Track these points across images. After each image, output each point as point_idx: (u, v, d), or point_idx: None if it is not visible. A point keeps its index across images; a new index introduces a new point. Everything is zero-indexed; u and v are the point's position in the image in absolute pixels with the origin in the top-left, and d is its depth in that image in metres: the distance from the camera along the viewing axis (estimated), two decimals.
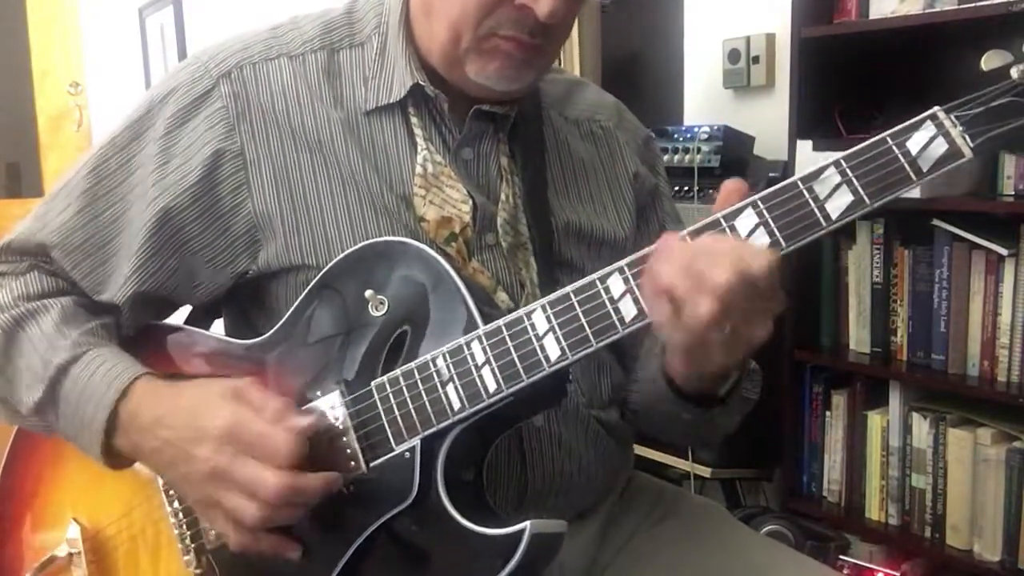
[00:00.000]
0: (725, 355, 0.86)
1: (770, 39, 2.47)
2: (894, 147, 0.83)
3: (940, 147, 0.83)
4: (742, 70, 2.50)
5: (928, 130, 0.83)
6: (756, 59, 2.48)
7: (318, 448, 0.92)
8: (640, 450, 2.19)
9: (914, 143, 0.83)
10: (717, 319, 0.80)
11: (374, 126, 1.04)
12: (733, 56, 2.52)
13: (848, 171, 0.84)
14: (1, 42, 5.03)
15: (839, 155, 0.85)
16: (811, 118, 2.10)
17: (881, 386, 2.15)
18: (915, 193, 1.93)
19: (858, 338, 2.18)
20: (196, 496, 0.93)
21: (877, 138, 0.84)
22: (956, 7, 1.92)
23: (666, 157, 2.40)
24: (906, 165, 0.83)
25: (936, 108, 0.84)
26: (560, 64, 2.89)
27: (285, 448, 0.87)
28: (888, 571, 2.08)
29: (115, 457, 0.98)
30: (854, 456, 2.20)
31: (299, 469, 0.89)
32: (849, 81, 2.08)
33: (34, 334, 1.00)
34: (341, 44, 1.07)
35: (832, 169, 0.84)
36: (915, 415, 2.08)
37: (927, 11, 1.96)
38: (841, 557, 2.12)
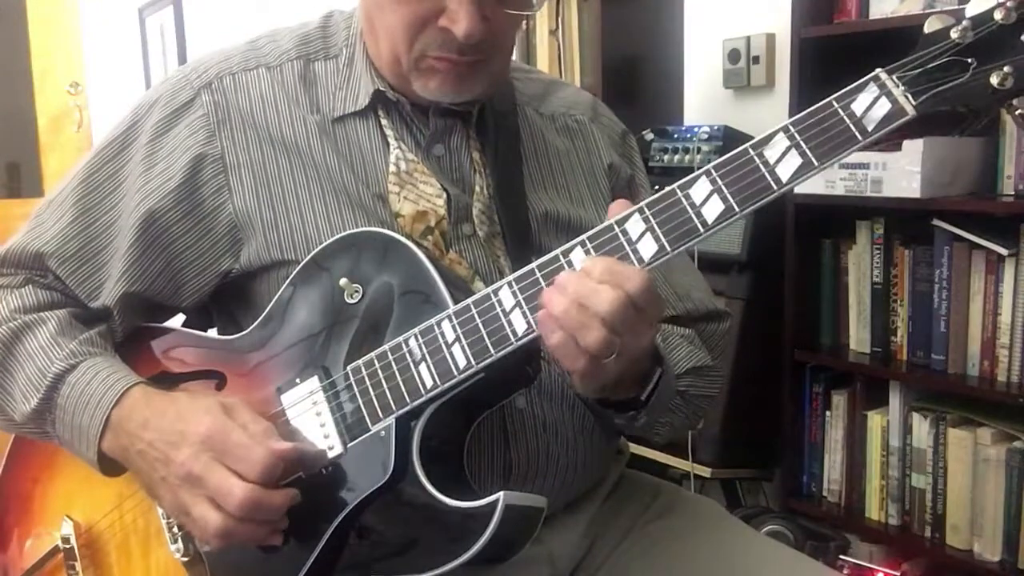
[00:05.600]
0: (617, 367, 0.89)
1: (770, 39, 2.47)
2: (839, 109, 0.87)
3: (884, 107, 0.85)
4: (742, 70, 2.50)
5: (871, 91, 0.86)
6: (756, 59, 2.48)
7: (298, 433, 0.97)
8: (640, 450, 2.19)
9: (859, 104, 0.86)
10: (608, 344, 0.85)
11: (348, 129, 1.09)
12: (733, 56, 2.52)
13: (796, 135, 0.87)
14: (1, 42, 5.04)
15: (787, 121, 0.88)
16: None
17: (881, 386, 2.14)
18: (915, 193, 1.94)
19: (858, 338, 2.18)
20: (170, 501, 0.95)
21: (823, 102, 0.87)
22: (956, 7, 1.92)
23: (666, 157, 2.40)
24: (851, 126, 0.86)
25: (878, 69, 0.87)
26: (560, 64, 2.89)
27: (260, 462, 0.90)
28: (888, 571, 2.08)
29: (109, 462, 1.00)
30: (854, 456, 2.20)
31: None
32: (849, 81, 2.08)
33: (30, 345, 1.02)
34: (316, 56, 1.12)
35: (781, 134, 0.87)
36: (915, 415, 2.07)
37: (927, 11, 1.97)
38: (841, 557, 2.12)
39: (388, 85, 1.08)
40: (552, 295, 0.87)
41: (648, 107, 2.83)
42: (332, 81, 1.10)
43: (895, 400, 2.11)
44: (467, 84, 1.04)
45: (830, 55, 2.09)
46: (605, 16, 2.94)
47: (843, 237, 2.20)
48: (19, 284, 1.08)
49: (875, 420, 2.16)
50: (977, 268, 1.95)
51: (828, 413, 2.24)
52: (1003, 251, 1.89)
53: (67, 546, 1.12)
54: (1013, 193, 1.95)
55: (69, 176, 1.10)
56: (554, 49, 2.90)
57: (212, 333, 1.15)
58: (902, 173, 1.96)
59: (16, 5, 5.04)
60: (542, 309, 0.88)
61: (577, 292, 0.86)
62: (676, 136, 2.42)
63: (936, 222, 1.99)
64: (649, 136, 2.45)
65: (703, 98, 2.67)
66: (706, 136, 2.36)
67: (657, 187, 1.32)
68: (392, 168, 1.06)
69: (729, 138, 2.33)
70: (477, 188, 1.09)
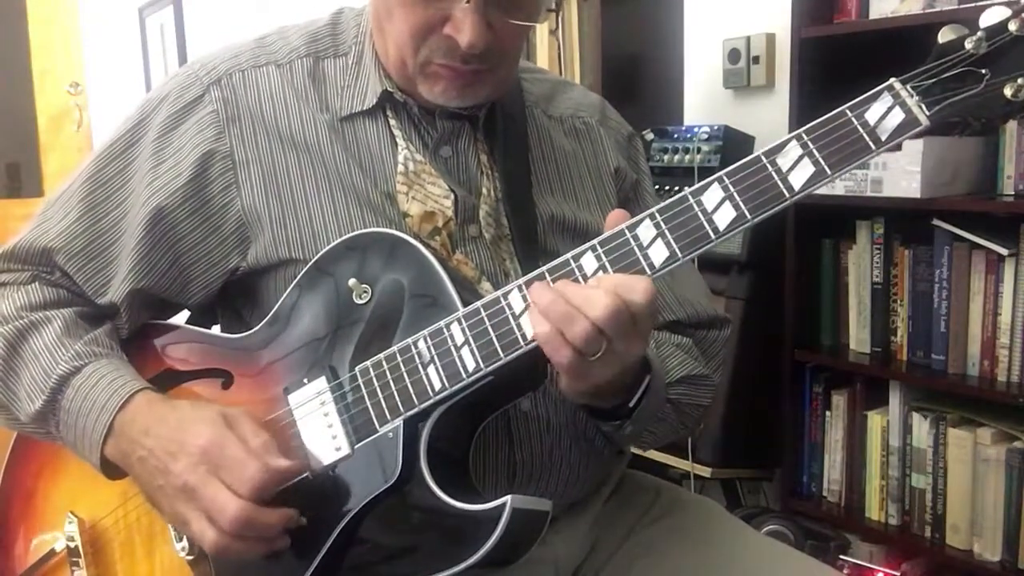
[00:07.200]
0: (605, 370, 0.89)
1: (770, 39, 2.47)
2: (853, 118, 0.86)
3: (897, 116, 0.85)
4: (742, 70, 2.51)
5: (885, 101, 0.86)
6: (756, 59, 2.48)
7: (305, 434, 0.97)
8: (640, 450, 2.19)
9: (872, 113, 0.86)
10: (593, 338, 0.85)
11: (357, 127, 1.08)
12: (733, 56, 2.52)
13: (809, 143, 0.87)
14: (1, 42, 5.04)
15: (800, 129, 0.88)
16: (811, 118, 2.09)
17: (881, 386, 2.15)
18: (915, 193, 1.94)
19: (858, 338, 2.18)
20: (169, 511, 0.95)
21: (837, 111, 0.87)
22: (956, 7, 1.92)
23: (666, 157, 2.40)
24: (865, 135, 0.86)
25: (893, 79, 0.86)
26: (560, 64, 2.89)
27: (255, 478, 0.89)
28: (888, 571, 2.08)
29: (112, 467, 1.00)
30: (854, 456, 2.20)
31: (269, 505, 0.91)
32: (849, 81, 2.08)
33: (36, 345, 1.02)
34: (326, 53, 1.12)
35: (794, 142, 0.87)
36: (915, 415, 2.08)
37: (927, 11, 1.97)
38: (841, 557, 2.12)
39: (396, 86, 1.08)
40: (538, 290, 0.88)
41: (648, 107, 2.83)
42: (341, 79, 1.10)
43: (895, 400, 2.11)
44: (471, 91, 1.04)
45: (830, 55, 2.09)
46: (605, 16, 2.94)
47: (843, 237, 2.20)
48: (26, 281, 1.07)
49: (875, 420, 2.16)
50: (977, 268, 1.95)
51: (828, 413, 2.24)
52: (1003, 251, 1.90)
53: (71, 543, 1.11)
54: (1013, 193, 1.95)
55: (76, 172, 1.10)
56: (554, 49, 2.90)
57: (215, 330, 1.15)
58: (902, 173, 1.96)
59: (16, 5, 5.04)
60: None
61: (569, 292, 0.86)
62: (676, 136, 2.42)
63: (936, 222, 1.99)
64: (649, 136, 2.45)
65: (703, 98, 2.67)
66: (706, 136, 2.36)
67: (657, 187, 1.32)
68: (400, 168, 1.05)
69: (729, 138, 2.34)
70: (484, 190, 1.09)
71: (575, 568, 1.13)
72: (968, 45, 0.84)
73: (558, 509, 1.09)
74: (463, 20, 0.97)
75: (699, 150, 2.35)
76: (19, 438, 1.17)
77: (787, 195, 0.86)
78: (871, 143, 0.85)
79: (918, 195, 1.94)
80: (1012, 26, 0.82)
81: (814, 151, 0.86)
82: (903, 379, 2.09)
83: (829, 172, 0.86)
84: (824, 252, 2.23)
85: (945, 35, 0.86)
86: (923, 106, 0.85)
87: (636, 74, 3.02)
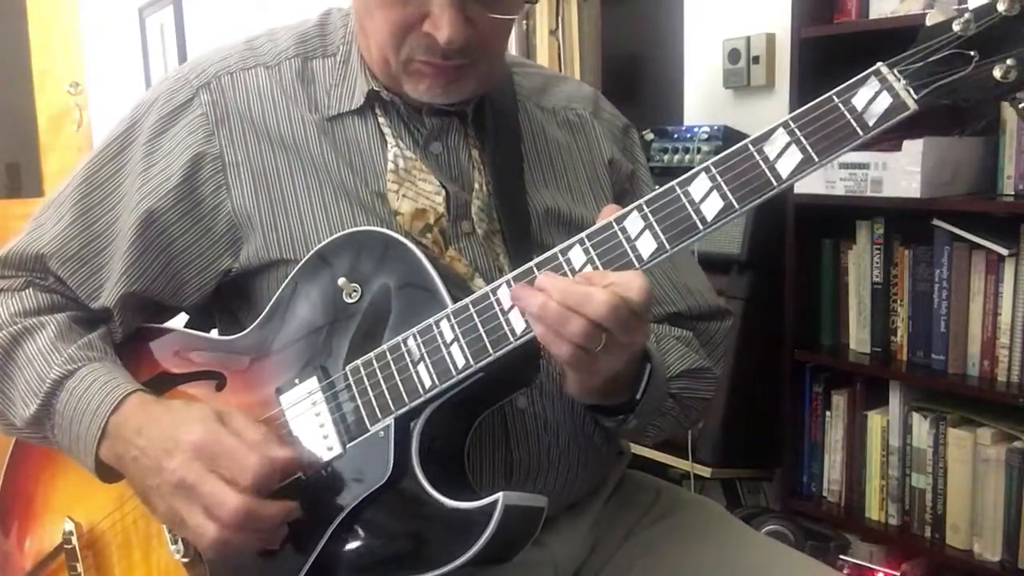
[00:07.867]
0: (611, 361, 0.89)
1: (770, 39, 2.47)
2: (840, 104, 0.85)
3: (885, 101, 0.84)
4: (742, 70, 2.50)
5: (872, 85, 0.85)
6: (756, 59, 2.48)
7: (298, 434, 0.97)
8: (640, 450, 2.19)
9: (859, 99, 0.85)
10: (591, 334, 0.85)
11: (347, 127, 1.08)
12: (733, 56, 2.52)
13: (796, 131, 0.86)
14: (1, 42, 5.04)
15: (787, 116, 0.87)
16: None
17: (881, 386, 2.15)
18: (915, 193, 1.94)
19: (858, 338, 2.18)
20: (164, 510, 0.94)
21: (823, 97, 0.86)
22: (957, 7, 1.92)
23: (666, 157, 2.40)
24: (852, 121, 0.85)
25: (879, 63, 0.85)
26: (560, 64, 2.89)
27: (253, 469, 0.89)
28: (888, 571, 2.08)
29: (107, 470, 1.00)
30: (854, 456, 2.20)
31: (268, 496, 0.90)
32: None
33: (30, 350, 1.02)
34: (314, 54, 1.12)
35: (781, 130, 0.86)
36: (915, 415, 2.08)
37: (927, 11, 1.97)
38: (841, 557, 2.12)
39: (382, 85, 1.08)
40: (525, 293, 0.87)
41: (648, 107, 2.83)
42: (329, 79, 1.10)
43: (895, 400, 2.11)
44: (455, 87, 1.04)
45: (830, 55, 2.09)
46: (605, 16, 2.94)
47: (843, 237, 2.20)
48: (20, 287, 1.08)
49: (875, 420, 2.16)
50: (977, 268, 1.95)
51: (828, 413, 2.24)
52: (1003, 251, 1.89)
53: (69, 547, 1.12)
54: (1013, 193, 1.95)
55: (69, 178, 1.10)
56: (554, 49, 2.90)
57: (214, 334, 1.15)
58: (902, 173, 1.96)
59: (16, 5, 5.04)
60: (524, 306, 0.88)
61: (568, 290, 0.86)
62: (676, 136, 2.42)
63: (936, 222, 1.99)
64: (649, 136, 2.45)
65: (703, 98, 2.67)
66: (706, 136, 2.36)
67: (657, 187, 1.32)
68: (391, 166, 1.05)
69: (729, 138, 2.33)
70: (476, 185, 1.09)
71: (575, 569, 1.13)
72: (956, 27, 0.83)
73: (557, 510, 1.09)
74: (441, 16, 0.97)
75: (699, 150, 2.35)
76: (18, 443, 1.17)
77: (775, 183, 0.86)
78: (859, 129, 0.84)
79: (918, 195, 1.94)
80: (1001, 6, 0.81)
81: (801, 138, 0.85)
82: (903, 379, 2.09)
83: (816, 159, 0.85)
84: (824, 252, 2.23)
85: (933, 17, 0.85)
86: (911, 90, 0.84)
87: (636, 74, 3.02)
